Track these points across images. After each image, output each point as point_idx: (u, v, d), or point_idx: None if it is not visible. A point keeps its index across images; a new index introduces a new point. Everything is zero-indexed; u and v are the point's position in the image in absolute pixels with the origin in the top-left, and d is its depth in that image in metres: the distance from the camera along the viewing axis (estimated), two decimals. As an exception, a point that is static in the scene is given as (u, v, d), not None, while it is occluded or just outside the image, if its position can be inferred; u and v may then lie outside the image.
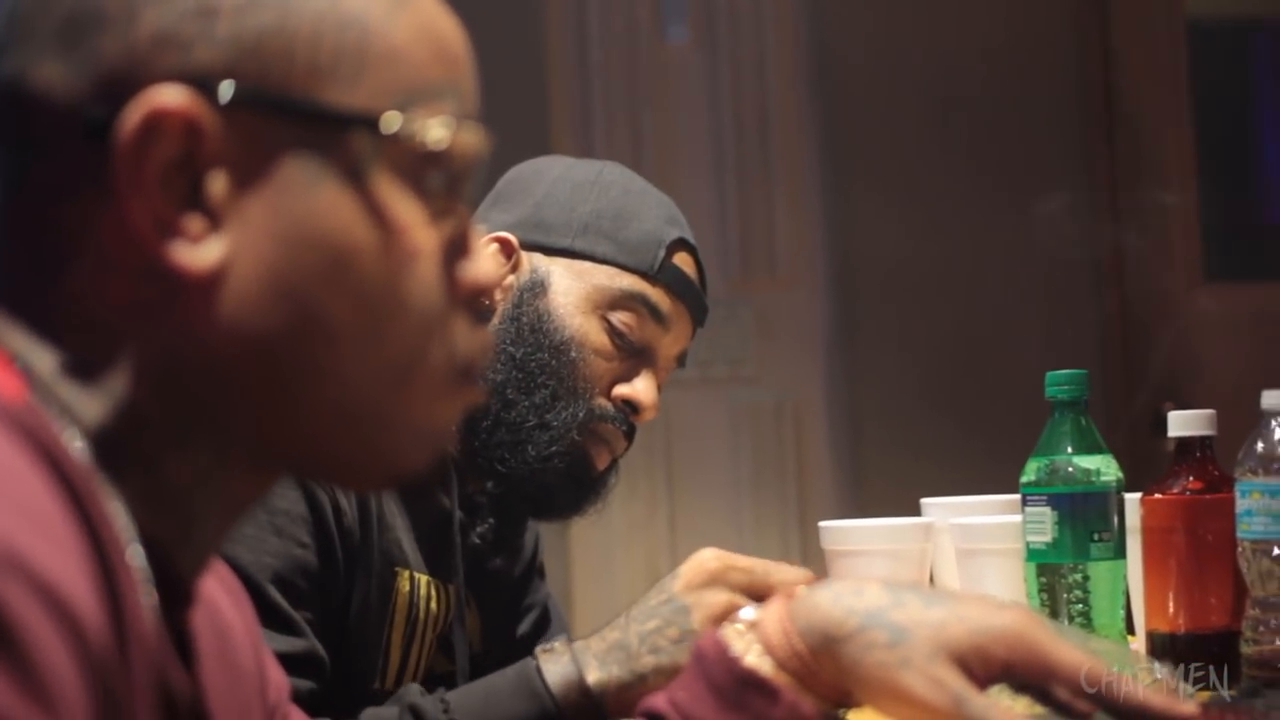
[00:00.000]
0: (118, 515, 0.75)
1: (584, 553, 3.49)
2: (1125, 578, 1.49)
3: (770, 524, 3.61)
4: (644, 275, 1.60)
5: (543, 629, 1.74)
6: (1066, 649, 0.98)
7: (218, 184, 0.78)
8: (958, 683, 0.97)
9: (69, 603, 0.65)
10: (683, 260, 1.63)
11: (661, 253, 1.60)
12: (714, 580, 1.36)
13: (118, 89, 0.77)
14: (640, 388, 1.59)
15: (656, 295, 1.60)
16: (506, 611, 1.70)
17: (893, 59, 3.67)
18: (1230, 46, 3.95)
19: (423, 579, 1.54)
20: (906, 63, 3.67)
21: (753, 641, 1.01)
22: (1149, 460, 3.46)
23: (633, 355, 1.60)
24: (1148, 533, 1.51)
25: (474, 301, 0.85)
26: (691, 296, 1.63)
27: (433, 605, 1.54)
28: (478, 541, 1.59)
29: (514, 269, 1.59)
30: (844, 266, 3.65)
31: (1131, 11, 3.73)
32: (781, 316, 3.64)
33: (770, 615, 1.02)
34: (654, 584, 1.38)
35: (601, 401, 1.58)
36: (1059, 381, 1.48)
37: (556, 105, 3.64)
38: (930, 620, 0.98)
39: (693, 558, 1.37)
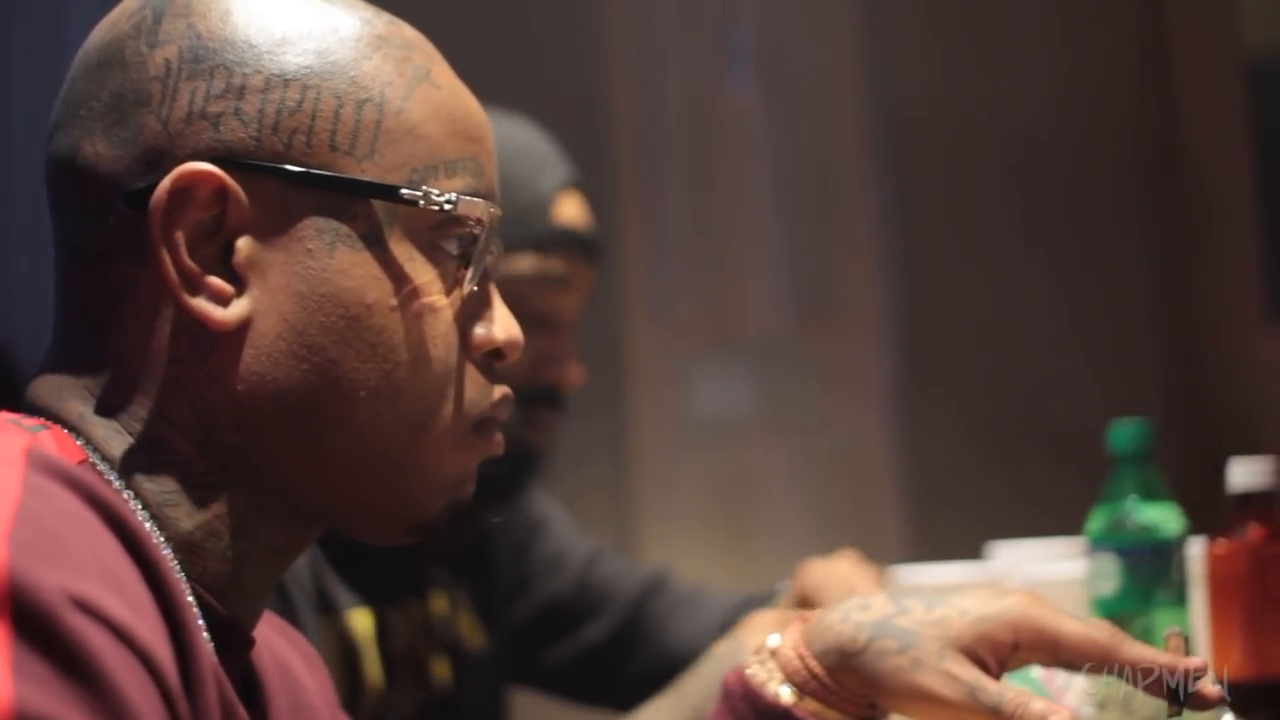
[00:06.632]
0: (171, 562, 0.82)
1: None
2: (1190, 625, 1.51)
3: (833, 569, 3.61)
4: None
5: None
6: (1069, 620, 1.00)
7: (242, 247, 0.86)
8: (970, 674, 0.99)
9: (138, 639, 0.71)
10: None
11: None
12: None
13: (155, 162, 0.86)
14: None
15: None
16: (504, 602, 1.78)
17: (954, 107, 3.69)
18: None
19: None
20: (968, 111, 3.69)
21: (774, 669, 1.03)
22: (1211, 504, 3.45)
23: None
24: (1212, 581, 1.52)
25: (489, 359, 0.92)
26: None
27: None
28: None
29: None
30: (906, 313, 3.66)
31: (1192, 55, 3.75)
32: (844, 365, 3.66)
33: (786, 643, 1.04)
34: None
35: None
36: (1123, 432, 1.50)
37: (622, 154, 3.67)
38: (933, 619, 1.01)
39: None
